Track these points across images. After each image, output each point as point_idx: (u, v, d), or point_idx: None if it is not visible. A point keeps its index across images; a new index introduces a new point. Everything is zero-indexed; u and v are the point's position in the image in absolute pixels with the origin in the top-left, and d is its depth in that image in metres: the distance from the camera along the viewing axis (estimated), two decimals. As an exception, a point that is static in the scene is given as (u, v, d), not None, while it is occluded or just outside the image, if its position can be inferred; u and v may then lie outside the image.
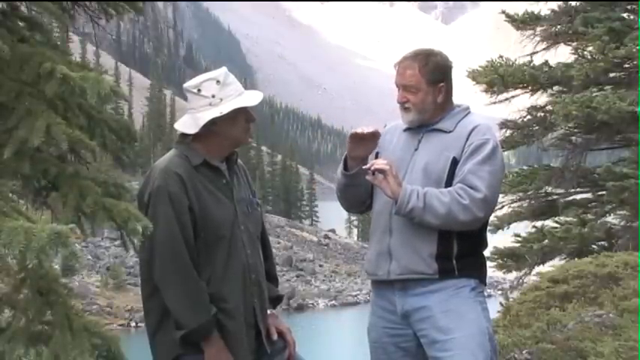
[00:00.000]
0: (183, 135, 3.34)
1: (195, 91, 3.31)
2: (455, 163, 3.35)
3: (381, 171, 3.29)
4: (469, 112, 3.49)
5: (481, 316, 3.36)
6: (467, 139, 3.36)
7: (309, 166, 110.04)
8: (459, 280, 3.35)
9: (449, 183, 3.33)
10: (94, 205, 2.98)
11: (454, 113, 3.47)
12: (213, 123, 3.27)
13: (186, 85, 3.36)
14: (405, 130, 3.52)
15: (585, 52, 11.25)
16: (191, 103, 3.33)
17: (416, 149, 3.44)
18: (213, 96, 3.28)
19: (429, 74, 3.40)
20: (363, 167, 3.38)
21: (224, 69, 3.39)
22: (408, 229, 3.35)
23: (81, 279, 46.13)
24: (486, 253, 3.62)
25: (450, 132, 3.41)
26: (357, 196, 3.56)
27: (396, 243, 3.37)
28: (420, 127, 3.47)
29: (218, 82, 3.30)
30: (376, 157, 3.50)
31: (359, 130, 3.42)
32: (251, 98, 3.34)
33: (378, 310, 3.50)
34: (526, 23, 12.23)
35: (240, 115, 3.32)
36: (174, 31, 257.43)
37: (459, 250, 3.34)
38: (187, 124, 3.33)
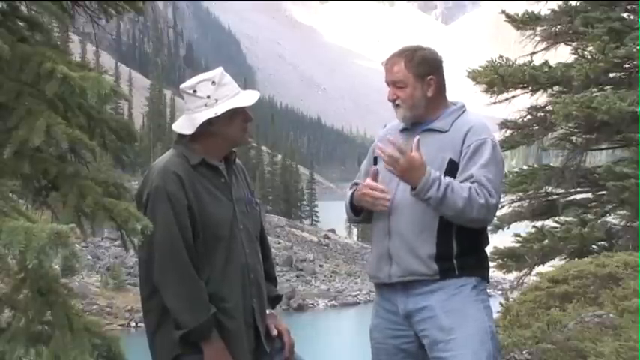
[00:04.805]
0: (182, 135, 3.35)
1: (190, 92, 3.32)
2: (452, 164, 3.34)
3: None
4: (464, 111, 3.49)
5: (483, 315, 3.35)
6: (463, 141, 3.35)
7: (309, 166, 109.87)
8: (459, 279, 3.34)
9: None
10: (94, 205, 2.98)
11: (449, 112, 3.46)
12: (209, 123, 3.28)
13: (182, 85, 3.37)
14: (402, 130, 3.52)
15: (585, 52, 11.23)
16: (187, 104, 3.34)
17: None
18: (208, 97, 3.29)
19: (416, 67, 3.39)
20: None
21: (220, 69, 3.39)
22: (407, 231, 3.35)
23: (81, 279, 46.13)
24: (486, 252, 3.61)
25: (446, 132, 3.41)
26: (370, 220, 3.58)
27: (396, 245, 3.38)
28: (415, 127, 3.46)
29: (213, 82, 3.31)
30: (375, 161, 3.52)
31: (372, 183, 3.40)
32: (246, 98, 3.34)
33: (381, 311, 3.51)
34: (526, 23, 12.21)
35: (237, 115, 3.32)
36: (175, 31, 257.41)
37: (459, 249, 3.34)
38: (184, 124, 3.34)
